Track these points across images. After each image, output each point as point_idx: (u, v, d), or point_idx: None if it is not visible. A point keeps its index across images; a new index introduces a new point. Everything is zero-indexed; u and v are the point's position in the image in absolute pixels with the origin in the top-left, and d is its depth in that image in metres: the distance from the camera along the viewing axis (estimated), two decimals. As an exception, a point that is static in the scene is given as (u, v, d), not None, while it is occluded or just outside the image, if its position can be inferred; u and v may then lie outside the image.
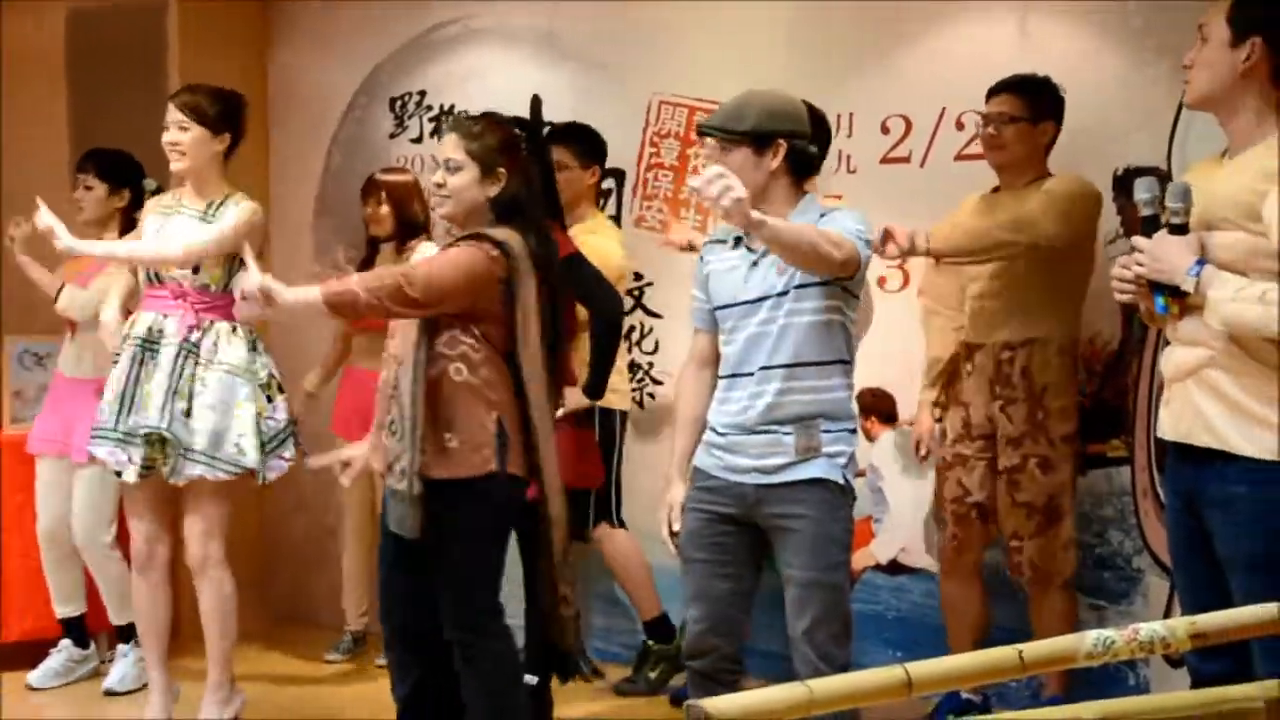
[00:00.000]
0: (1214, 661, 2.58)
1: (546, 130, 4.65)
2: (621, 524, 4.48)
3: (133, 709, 4.18)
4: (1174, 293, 2.64)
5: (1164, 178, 3.53)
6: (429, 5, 5.21)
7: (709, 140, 3.08)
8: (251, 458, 3.74)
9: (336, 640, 4.93)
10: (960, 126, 4.24)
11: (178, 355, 3.71)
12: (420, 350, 3.10)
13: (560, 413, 3.54)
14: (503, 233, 3.12)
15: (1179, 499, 2.78)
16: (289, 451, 3.86)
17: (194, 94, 3.82)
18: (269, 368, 3.85)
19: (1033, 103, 3.84)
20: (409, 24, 5.23)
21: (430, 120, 5.22)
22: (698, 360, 3.21)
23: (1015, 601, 4.07)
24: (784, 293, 2.98)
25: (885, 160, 4.37)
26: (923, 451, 4.10)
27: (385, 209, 4.61)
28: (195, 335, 3.74)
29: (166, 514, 3.90)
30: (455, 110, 5.07)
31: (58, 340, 4.63)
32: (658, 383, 4.73)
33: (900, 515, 4.39)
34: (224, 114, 3.82)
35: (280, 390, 3.86)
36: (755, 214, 2.70)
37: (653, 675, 4.48)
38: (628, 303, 4.69)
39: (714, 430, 3.09)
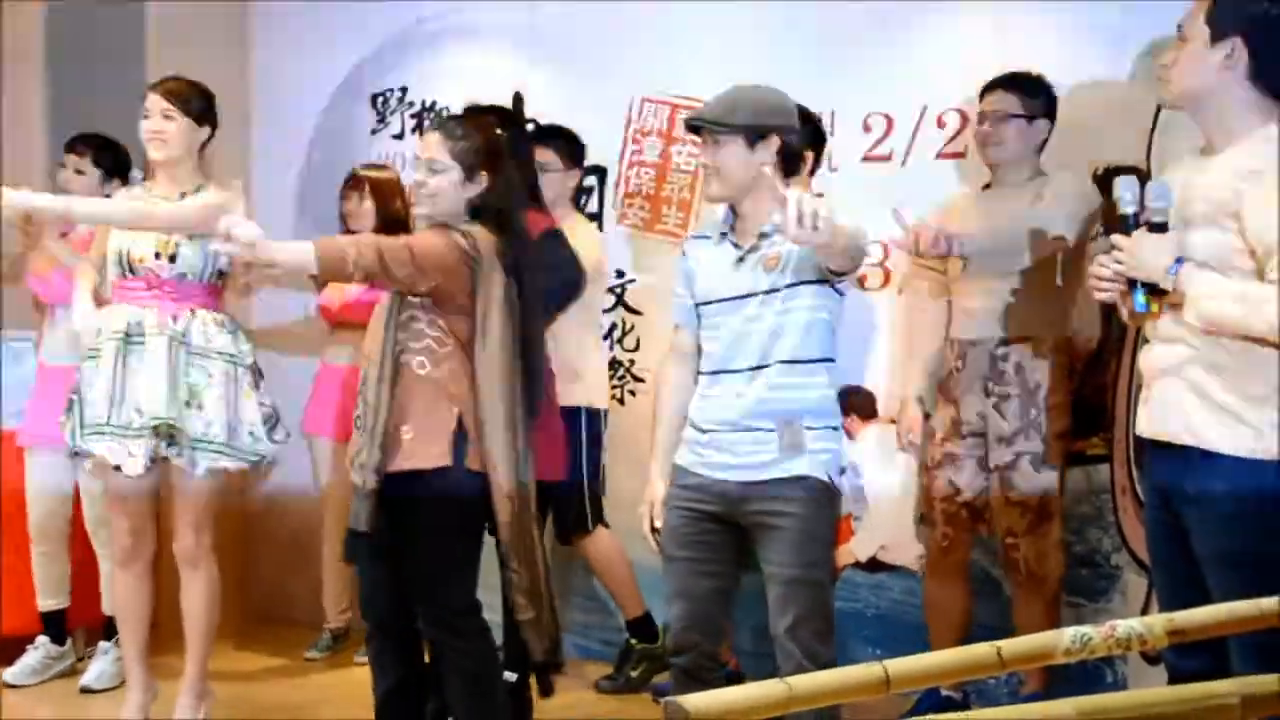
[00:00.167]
0: (1191, 658, 2.59)
1: (530, 128, 4.65)
2: (604, 523, 4.48)
3: (109, 707, 4.16)
4: (1153, 291, 2.65)
5: (1143, 177, 3.54)
6: (411, 1, 5.20)
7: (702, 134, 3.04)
8: (265, 445, 3.79)
9: (316, 638, 4.91)
10: (941, 125, 4.25)
11: (169, 346, 3.69)
12: (387, 344, 3.10)
13: None
14: (472, 226, 3.12)
15: (1157, 496, 2.79)
16: (280, 435, 3.88)
17: (178, 83, 3.81)
18: (252, 354, 3.85)
19: (1029, 99, 3.84)
20: (391, 20, 5.21)
21: (412, 117, 5.21)
22: (678, 355, 3.21)
23: (997, 600, 4.09)
24: (773, 290, 2.98)
25: (867, 158, 4.38)
26: (915, 439, 4.02)
27: (368, 204, 4.60)
28: (180, 324, 3.72)
29: (151, 507, 3.89)
30: (437, 107, 5.06)
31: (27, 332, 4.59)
32: (639, 380, 4.73)
33: (880, 513, 4.39)
34: (206, 106, 3.82)
35: (260, 375, 3.86)
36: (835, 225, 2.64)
37: (634, 674, 4.48)
38: (608, 300, 4.70)
39: (696, 428, 3.09)
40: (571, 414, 4.41)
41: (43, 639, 4.58)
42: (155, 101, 3.76)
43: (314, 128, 5.37)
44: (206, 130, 3.83)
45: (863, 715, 3.01)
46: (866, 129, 4.38)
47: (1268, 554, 2.60)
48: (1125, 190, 2.72)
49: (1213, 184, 2.63)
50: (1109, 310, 3.67)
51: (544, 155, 4.38)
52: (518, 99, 4.89)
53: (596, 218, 4.77)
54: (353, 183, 4.68)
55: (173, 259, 3.75)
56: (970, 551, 4.03)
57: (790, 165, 3.07)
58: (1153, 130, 3.87)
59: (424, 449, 3.08)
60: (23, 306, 4.55)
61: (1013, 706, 1.63)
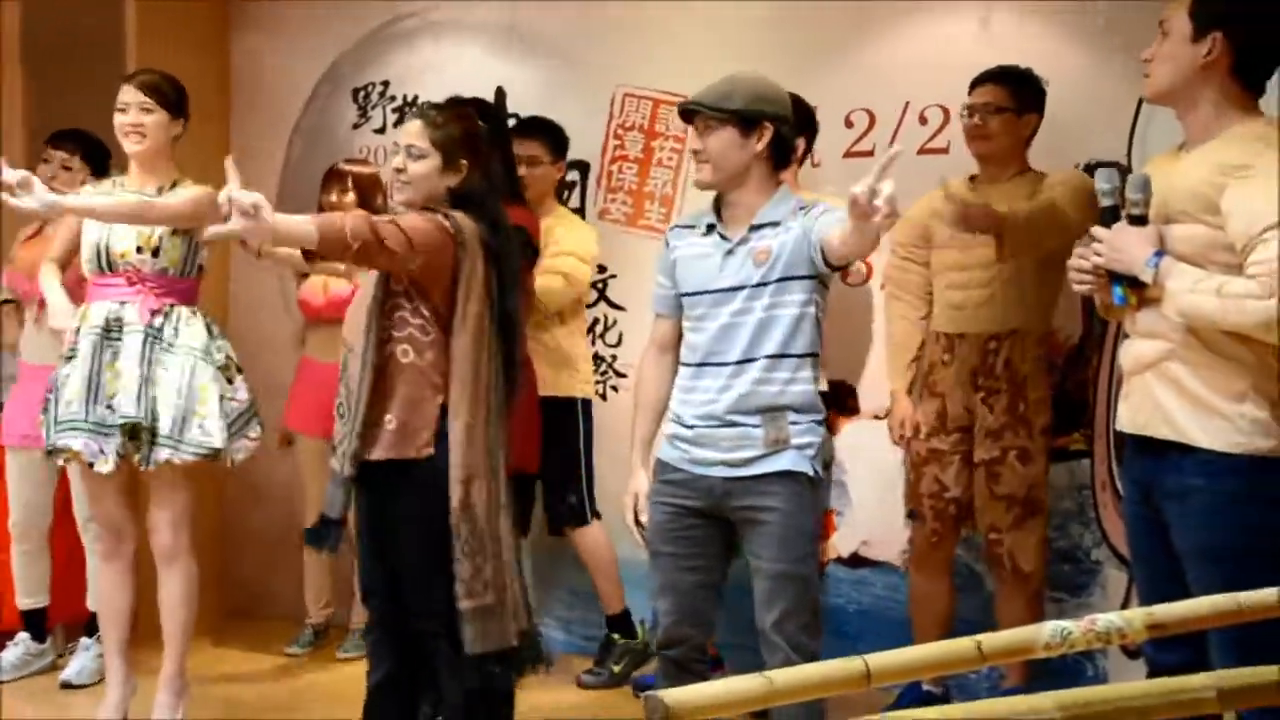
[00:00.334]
0: (1171, 652, 2.60)
1: (514, 122, 4.65)
2: (598, 515, 4.48)
3: (90, 702, 4.14)
4: (1132, 283, 2.66)
5: (1125, 172, 3.55)
6: (393, -3, 5.19)
7: (695, 119, 3.00)
8: (218, 439, 3.70)
9: (297, 633, 4.90)
10: (924, 121, 4.26)
11: (144, 342, 3.67)
12: (370, 333, 3.08)
13: None
14: (454, 212, 3.11)
15: (1137, 491, 2.80)
16: (255, 431, 3.84)
17: (153, 76, 3.79)
18: (226, 350, 3.82)
19: (1018, 94, 3.85)
20: (373, 14, 5.19)
21: (394, 111, 5.19)
22: (659, 345, 3.20)
23: (979, 595, 4.10)
24: (762, 284, 2.95)
25: (849, 154, 4.38)
26: (907, 432, 3.99)
27: (351, 197, 4.59)
28: (158, 320, 3.71)
29: (132, 504, 3.88)
30: (419, 101, 5.04)
31: None
32: (621, 375, 4.73)
33: (862, 508, 4.40)
34: (181, 99, 3.81)
35: (239, 370, 3.83)
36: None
37: (617, 668, 4.48)
38: (591, 295, 4.70)
39: (679, 422, 3.07)
40: (568, 405, 4.43)
41: (23, 635, 4.56)
42: (132, 95, 3.74)
43: (295, 121, 5.34)
44: (181, 123, 3.82)
45: (845, 709, 3.01)
46: (849, 125, 4.38)
47: (1246, 548, 2.61)
48: (1105, 182, 2.73)
49: (1193, 179, 2.64)
50: (1091, 305, 3.68)
51: (531, 149, 4.38)
52: (500, 93, 4.88)
53: (579, 213, 4.77)
54: (333, 177, 4.67)
55: (155, 253, 3.73)
56: (955, 547, 4.04)
57: (782, 156, 3.05)
58: (1134, 126, 3.88)
59: (410, 439, 3.07)
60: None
61: (995, 700, 1.63)
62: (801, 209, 2.98)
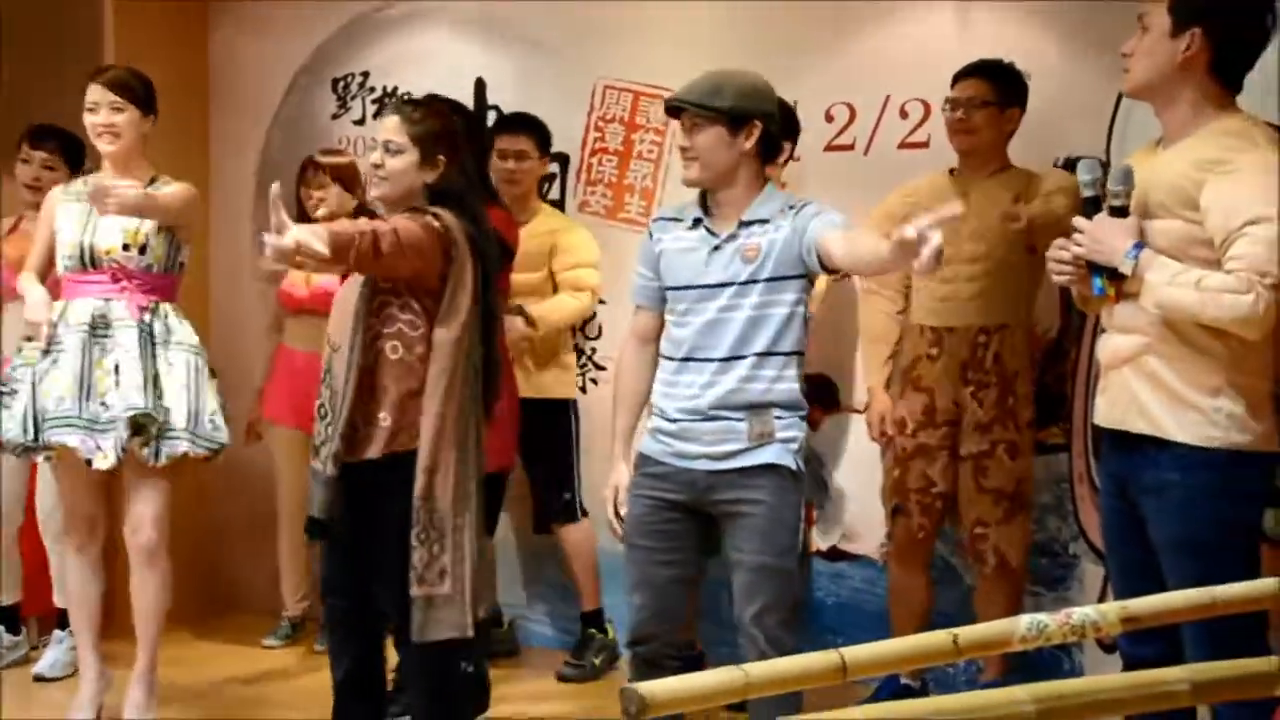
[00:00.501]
0: (1146, 646, 2.61)
1: (500, 116, 4.64)
2: (585, 512, 4.48)
3: (63, 695, 4.12)
4: (1112, 275, 2.67)
5: (1104, 167, 3.56)
6: (373, -14, 5.16)
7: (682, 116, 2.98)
8: (224, 433, 3.77)
9: (274, 626, 4.88)
10: (904, 115, 4.26)
11: (140, 338, 3.66)
12: (357, 332, 3.07)
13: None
14: (438, 210, 3.10)
15: (1113, 484, 2.81)
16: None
17: (121, 73, 3.76)
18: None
19: (1001, 88, 3.85)
20: (353, 4, 5.17)
21: (373, 102, 5.16)
22: (639, 337, 3.18)
23: (956, 589, 4.10)
24: (751, 282, 2.94)
25: (829, 148, 4.37)
26: (889, 430, 3.99)
27: (335, 190, 4.56)
28: (147, 317, 3.70)
29: (105, 497, 3.87)
30: (398, 92, 5.01)
31: None
32: (600, 368, 4.72)
33: (841, 502, 4.40)
34: (150, 94, 3.78)
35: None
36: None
37: (596, 661, 4.48)
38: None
39: (662, 416, 3.06)
40: (560, 406, 4.45)
41: (-2, 627, 4.54)
42: (101, 94, 3.70)
43: (274, 111, 5.31)
44: (151, 120, 3.79)
45: (823, 703, 3.01)
46: (829, 119, 4.37)
47: (1221, 543, 2.63)
48: (1087, 173, 2.74)
49: (1171, 174, 2.65)
50: (1069, 299, 3.69)
51: (520, 144, 4.37)
52: (480, 85, 4.86)
53: (559, 205, 4.76)
54: (312, 169, 4.64)
55: (143, 250, 3.72)
56: (935, 541, 4.04)
57: (769, 153, 3.04)
58: (1112, 121, 3.89)
59: (397, 434, 3.06)
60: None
61: (970, 693, 1.63)
62: (791, 207, 2.97)
